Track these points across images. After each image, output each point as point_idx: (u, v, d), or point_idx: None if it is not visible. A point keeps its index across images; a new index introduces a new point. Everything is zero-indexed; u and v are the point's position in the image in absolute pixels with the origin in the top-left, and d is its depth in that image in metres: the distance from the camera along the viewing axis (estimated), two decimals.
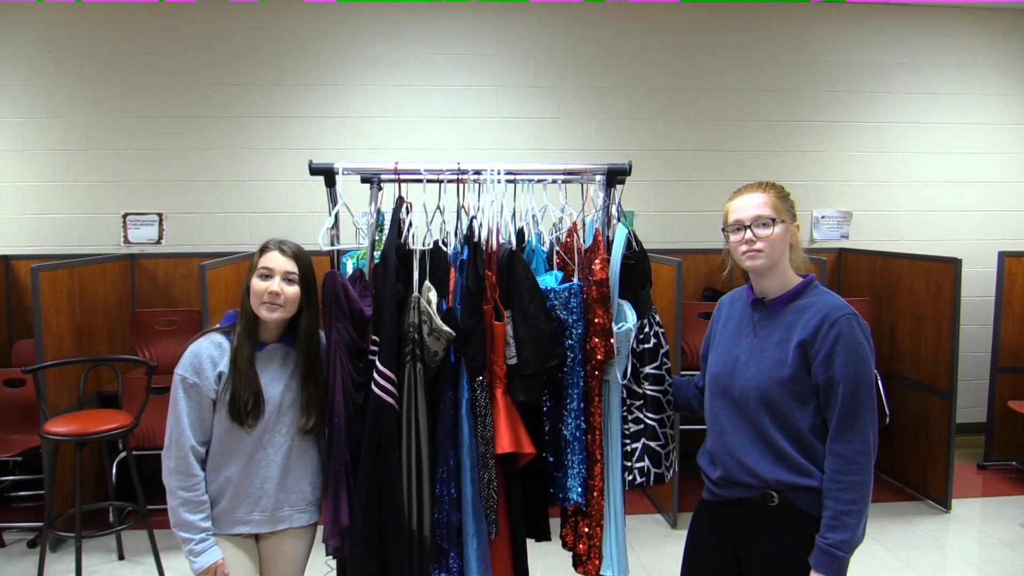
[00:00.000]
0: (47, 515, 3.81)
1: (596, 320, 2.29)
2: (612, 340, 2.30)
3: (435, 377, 2.28)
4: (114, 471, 4.27)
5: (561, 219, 2.67)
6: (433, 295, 2.28)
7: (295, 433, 2.30)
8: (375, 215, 2.49)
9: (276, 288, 2.23)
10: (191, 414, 2.22)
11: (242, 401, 2.20)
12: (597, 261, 2.30)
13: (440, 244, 2.41)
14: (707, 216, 5.76)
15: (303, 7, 5.46)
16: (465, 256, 2.33)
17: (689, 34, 5.76)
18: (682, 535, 4.50)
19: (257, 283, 2.24)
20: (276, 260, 2.25)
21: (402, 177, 2.47)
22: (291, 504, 2.33)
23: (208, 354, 2.25)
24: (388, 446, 2.22)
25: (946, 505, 4.67)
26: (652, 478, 2.35)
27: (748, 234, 2.07)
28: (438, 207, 2.49)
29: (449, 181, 2.48)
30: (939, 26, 5.96)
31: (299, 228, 5.53)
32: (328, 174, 2.47)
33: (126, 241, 5.48)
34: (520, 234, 2.65)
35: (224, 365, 2.24)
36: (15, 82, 5.35)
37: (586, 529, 2.38)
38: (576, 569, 2.46)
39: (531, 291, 2.27)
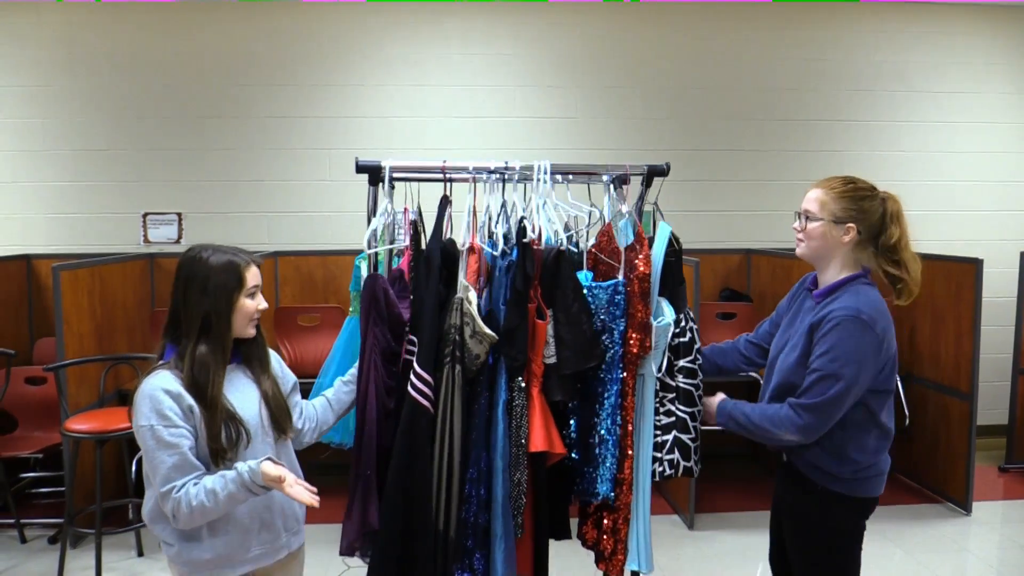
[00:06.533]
0: (67, 512, 3.85)
1: (636, 314, 2.30)
2: (650, 335, 2.32)
3: (472, 378, 2.25)
4: (134, 468, 4.31)
5: (576, 217, 2.67)
6: (472, 295, 2.23)
7: (276, 446, 2.16)
8: (392, 215, 2.48)
9: (264, 304, 2.14)
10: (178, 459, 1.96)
11: (221, 436, 2.00)
12: (641, 256, 2.31)
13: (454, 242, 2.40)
14: (725, 216, 5.74)
15: (321, 8, 5.49)
16: (513, 256, 2.29)
17: (707, 34, 5.74)
18: (699, 536, 4.49)
19: (249, 303, 2.08)
20: (258, 276, 2.13)
21: (412, 176, 2.46)
22: (287, 528, 2.20)
23: (165, 391, 1.99)
24: (421, 448, 2.19)
25: (966, 508, 4.62)
26: (681, 470, 2.37)
27: (797, 223, 2.30)
28: (477, 207, 2.46)
29: (497, 180, 2.44)
30: (961, 25, 5.90)
31: (317, 228, 5.56)
32: (374, 172, 2.41)
33: (146, 241, 5.52)
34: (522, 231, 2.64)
35: (189, 399, 2.00)
36: (36, 83, 5.41)
37: (611, 524, 2.37)
38: (598, 565, 2.45)
39: (575, 291, 2.27)
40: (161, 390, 1.97)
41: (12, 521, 4.31)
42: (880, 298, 2.23)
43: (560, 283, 2.27)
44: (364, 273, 2.76)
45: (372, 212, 2.45)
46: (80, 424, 3.64)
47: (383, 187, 2.50)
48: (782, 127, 5.84)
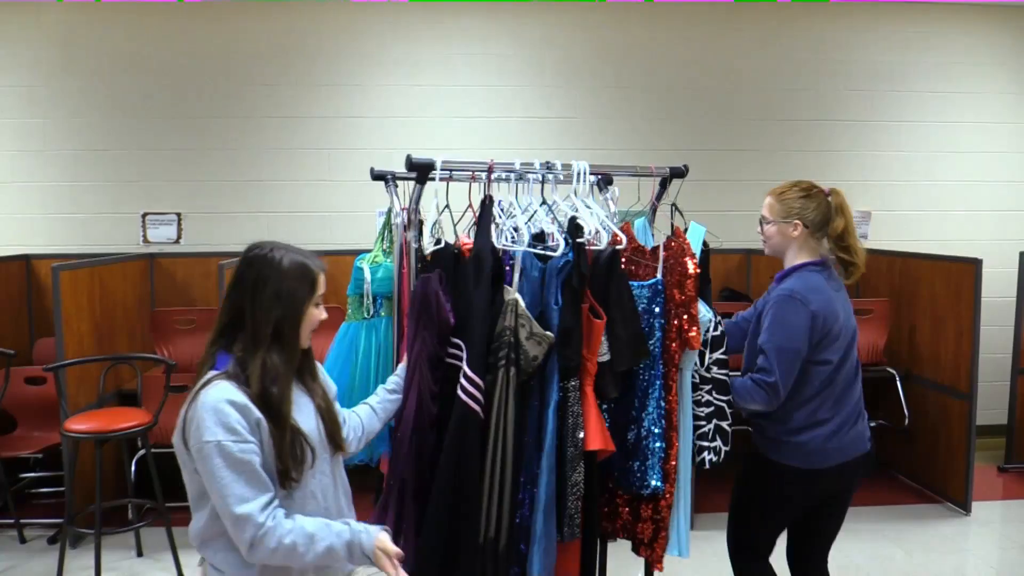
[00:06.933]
0: (67, 512, 3.85)
1: (694, 312, 2.40)
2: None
3: (524, 380, 2.22)
4: (133, 468, 4.31)
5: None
6: (518, 296, 2.20)
7: (332, 460, 2.00)
8: (400, 213, 2.46)
9: (325, 314, 1.98)
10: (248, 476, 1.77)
11: (289, 455, 1.83)
12: (688, 255, 2.41)
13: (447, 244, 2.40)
14: (725, 216, 5.73)
15: (321, 8, 5.49)
16: (570, 256, 2.27)
17: (707, 34, 5.74)
18: (699, 536, 4.49)
19: (315, 312, 1.94)
20: (325, 283, 1.99)
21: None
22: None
23: (229, 402, 1.79)
24: (471, 454, 2.13)
25: (966, 508, 4.62)
26: (722, 455, 2.52)
27: (758, 228, 2.71)
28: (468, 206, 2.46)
29: (541, 180, 2.47)
30: (961, 25, 5.90)
31: (317, 228, 5.55)
32: (425, 169, 2.33)
33: (145, 241, 5.52)
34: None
35: (257, 412, 1.81)
36: (36, 83, 5.41)
37: (653, 512, 2.44)
38: (639, 552, 2.50)
39: (628, 290, 2.33)
40: (226, 402, 1.77)
41: (12, 521, 4.31)
42: (820, 282, 2.55)
43: (615, 281, 2.31)
44: (367, 275, 2.74)
45: (415, 211, 2.38)
46: (80, 424, 3.64)
47: (388, 187, 2.48)
48: (782, 127, 5.84)
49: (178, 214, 5.53)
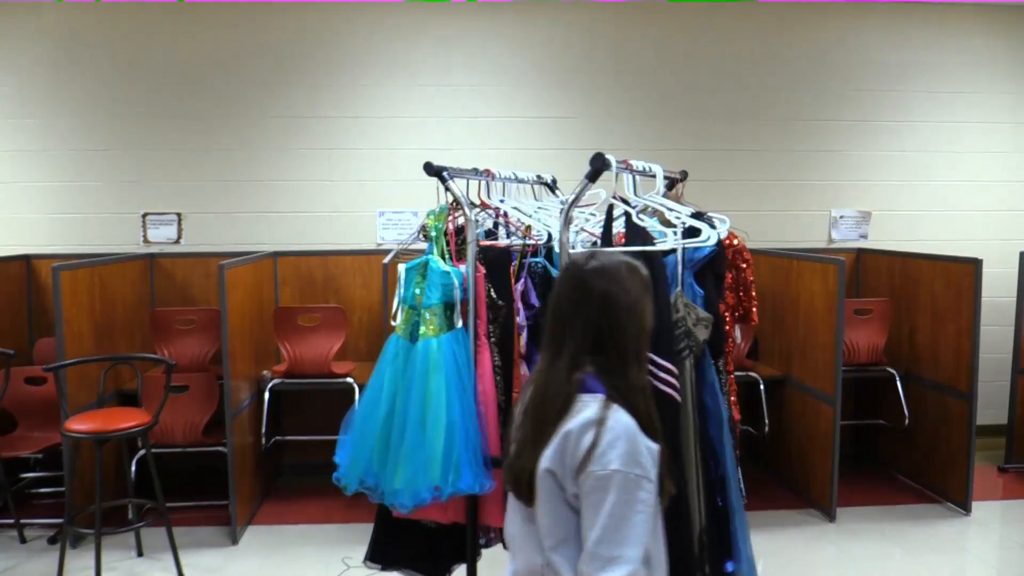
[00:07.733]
0: (67, 512, 3.85)
1: (753, 295, 2.72)
2: None
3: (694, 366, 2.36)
4: (133, 468, 4.31)
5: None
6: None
7: None
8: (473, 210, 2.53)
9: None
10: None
11: (668, 477, 1.68)
12: (744, 250, 2.73)
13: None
14: (725, 216, 5.72)
15: (321, 8, 5.48)
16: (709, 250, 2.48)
17: (706, 34, 5.74)
18: None
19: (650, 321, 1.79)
20: None
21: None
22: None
23: (640, 436, 1.62)
24: (675, 441, 2.14)
25: (966, 508, 4.62)
26: None
27: None
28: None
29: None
30: (961, 25, 5.90)
31: (317, 228, 5.55)
32: (602, 168, 2.33)
33: (145, 241, 5.52)
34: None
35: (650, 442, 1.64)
36: (36, 83, 5.41)
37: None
38: None
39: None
40: (639, 432, 1.60)
41: (12, 521, 4.32)
42: None
43: (716, 270, 2.55)
44: (456, 280, 2.64)
45: (575, 204, 2.40)
46: (80, 424, 3.64)
47: (445, 182, 2.57)
48: (782, 127, 5.84)
49: (178, 214, 5.53)
